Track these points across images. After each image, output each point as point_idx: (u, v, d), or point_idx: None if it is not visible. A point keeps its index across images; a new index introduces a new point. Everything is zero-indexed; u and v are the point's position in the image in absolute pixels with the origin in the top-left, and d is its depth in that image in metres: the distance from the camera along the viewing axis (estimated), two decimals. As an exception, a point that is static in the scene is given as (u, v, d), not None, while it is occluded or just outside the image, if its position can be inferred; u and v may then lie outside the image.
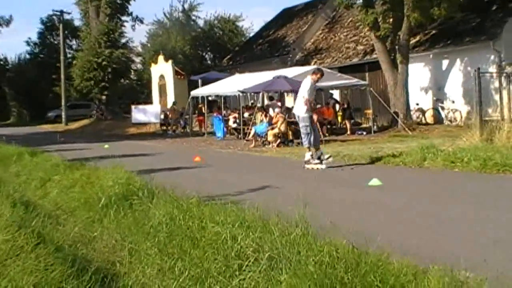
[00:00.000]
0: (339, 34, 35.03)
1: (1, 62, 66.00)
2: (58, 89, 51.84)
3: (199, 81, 33.47)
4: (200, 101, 30.25)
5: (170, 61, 38.87)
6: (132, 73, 52.56)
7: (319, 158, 12.38)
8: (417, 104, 25.63)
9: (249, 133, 20.92)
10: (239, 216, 5.74)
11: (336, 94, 27.62)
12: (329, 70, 25.98)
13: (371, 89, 23.92)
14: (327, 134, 22.67)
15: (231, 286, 4.31)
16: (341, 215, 6.60)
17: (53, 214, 7.86)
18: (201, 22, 59.15)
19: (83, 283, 4.39)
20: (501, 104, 16.41)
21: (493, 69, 21.87)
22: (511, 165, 10.11)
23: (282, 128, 19.43)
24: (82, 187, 9.24)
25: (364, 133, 22.82)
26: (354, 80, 24.31)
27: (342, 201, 8.48)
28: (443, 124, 24.34)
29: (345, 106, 25.25)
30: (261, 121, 20.96)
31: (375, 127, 23.56)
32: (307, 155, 12.49)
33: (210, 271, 4.53)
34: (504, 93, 17.42)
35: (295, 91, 24.07)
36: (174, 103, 33.30)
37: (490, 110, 17.25)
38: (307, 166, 12.41)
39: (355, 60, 30.32)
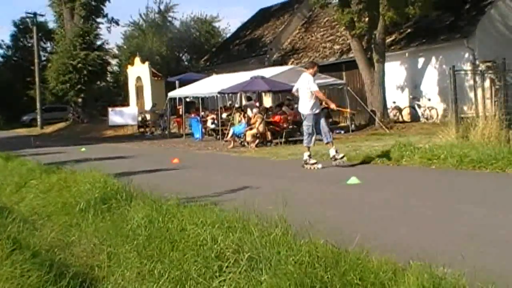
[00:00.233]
0: (315, 33, 35.14)
1: (-27, 65, 65.12)
2: (32, 92, 51.31)
3: (176, 82, 33.34)
4: (177, 102, 30.14)
5: (146, 63, 38.74)
6: (109, 75, 52.21)
7: (334, 155, 11.95)
8: (394, 102, 25.82)
9: (228, 134, 20.90)
10: (219, 217, 5.72)
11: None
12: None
13: (349, 88, 24.02)
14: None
15: (211, 287, 4.29)
16: (320, 214, 6.61)
17: (29, 219, 7.76)
18: (177, 23, 58.97)
19: (61, 288, 4.34)
20: (476, 102, 16.57)
21: (467, 67, 22.11)
22: (486, 162, 10.22)
23: (260, 128, 19.43)
24: (59, 191, 9.15)
25: (342, 132, 22.91)
26: (331, 80, 24.39)
27: (321, 200, 8.50)
28: (419, 122, 24.55)
29: (323, 105, 25.27)
30: (239, 121, 20.95)
31: (352, 126, 23.68)
32: (305, 155, 12.18)
33: (190, 273, 4.51)
34: (479, 90, 17.61)
35: (272, 91, 24.26)
36: (153, 105, 33.15)
37: (465, 108, 17.42)
38: (306, 166, 12.11)
39: (332, 60, 30.43)
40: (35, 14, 50.60)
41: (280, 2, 43.32)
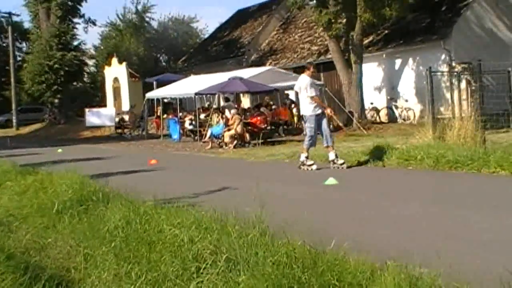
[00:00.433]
0: (293, 34, 35.24)
1: None
2: (8, 93, 50.66)
3: (154, 83, 33.20)
4: (155, 103, 30.01)
5: (124, 63, 38.51)
6: (86, 76, 51.70)
7: (333, 159, 11.78)
8: (372, 103, 25.98)
9: (205, 135, 20.87)
10: (197, 218, 5.71)
11: (292, 94, 27.76)
12: (284, 71, 26.22)
13: (326, 89, 24.11)
14: (283, 135, 22.80)
15: (189, 289, 4.28)
16: (298, 214, 6.62)
17: (4, 221, 7.64)
18: (155, 24, 58.74)
19: (37, 291, 4.29)
20: (452, 103, 16.75)
21: (444, 68, 22.33)
22: (462, 162, 10.33)
23: (239, 129, 19.42)
24: (35, 193, 9.03)
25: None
26: (309, 81, 24.45)
27: (299, 200, 8.52)
28: (397, 123, 24.72)
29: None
30: (217, 122, 20.93)
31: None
32: (302, 156, 11.97)
33: (167, 274, 4.48)
34: (455, 91, 17.80)
35: (250, 92, 24.28)
36: (132, 106, 32.95)
37: (442, 109, 17.60)
38: (302, 167, 11.90)
39: (310, 61, 30.47)
40: (10, 13, 50.06)
41: (258, 3, 43.37)
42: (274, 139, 21.26)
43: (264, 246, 4.59)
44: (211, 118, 21.65)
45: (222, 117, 20.85)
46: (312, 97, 11.75)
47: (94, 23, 48.90)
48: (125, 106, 36.85)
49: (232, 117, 20.00)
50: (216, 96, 24.00)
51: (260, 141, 19.69)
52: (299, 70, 28.60)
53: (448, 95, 19.15)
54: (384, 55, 26.32)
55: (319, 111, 11.87)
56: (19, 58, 54.14)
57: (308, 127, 12.04)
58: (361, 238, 5.66)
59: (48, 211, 7.44)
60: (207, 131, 20.88)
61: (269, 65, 32.04)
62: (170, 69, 48.57)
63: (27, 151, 22.03)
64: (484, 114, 12.28)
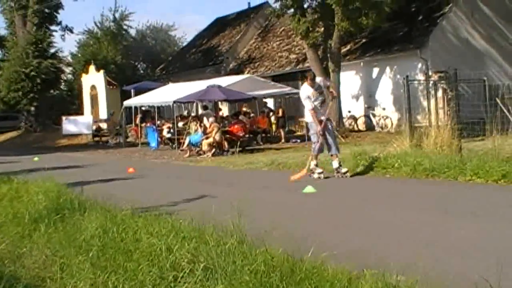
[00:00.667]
0: (271, 43, 35.37)
1: None
2: (-18, 100, 50.02)
3: (132, 91, 33.03)
4: (133, 111, 29.86)
5: (101, 71, 38.23)
6: (63, 83, 51.25)
7: (336, 168, 11.63)
8: (349, 112, 26.15)
9: (184, 143, 20.80)
10: (174, 227, 5.68)
11: (270, 102, 27.84)
12: (262, 79, 26.31)
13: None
14: (261, 143, 22.83)
15: (166, 298, 4.25)
16: (276, 222, 6.61)
17: (-22, 230, 7.54)
18: (133, 32, 58.49)
19: (11, 301, 4.23)
20: (429, 111, 16.88)
21: (421, 77, 22.56)
22: (439, 170, 10.42)
23: (217, 137, 19.40)
24: (10, 202, 8.92)
25: (299, 140, 23.03)
26: (287, 89, 24.60)
27: (277, 208, 8.52)
28: (374, 131, 24.92)
29: (280, 114, 25.43)
30: (196, 130, 20.88)
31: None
32: (312, 164, 11.77)
33: (144, 283, 4.45)
34: (432, 100, 17.96)
35: (229, 100, 24.28)
36: (111, 114, 32.72)
37: (419, 117, 17.74)
38: (312, 175, 11.64)
39: (288, 69, 30.66)
40: (-14, 20, 49.41)
41: (236, 11, 43.50)
42: (253, 147, 21.28)
43: (242, 255, 4.58)
44: (189, 126, 21.60)
45: (200, 125, 20.81)
46: (309, 110, 11.78)
47: (71, 31, 48.60)
48: (103, 114, 36.57)
49: (211, 125, 19.97)
50: (195, 104, 23.95)
51: (239, 149, 19.68)
52: (277, 78, 28.84)
53: (425, 104, 19.31)
54: (362, 64, 26.53)
55: (322, 118, 11.80)
56: (-6, 66, 53.49)
57: (312, 134, 12.03)
58: (339, 246, 5.67)
59: (24, 220, 7.34)
60: (185, 139, 20.82)
61: (248, 73, 32.11)
62: (148, 77, 48.35)
63: (2, 159, 21.76)
64: (460, 123, 12.40)
